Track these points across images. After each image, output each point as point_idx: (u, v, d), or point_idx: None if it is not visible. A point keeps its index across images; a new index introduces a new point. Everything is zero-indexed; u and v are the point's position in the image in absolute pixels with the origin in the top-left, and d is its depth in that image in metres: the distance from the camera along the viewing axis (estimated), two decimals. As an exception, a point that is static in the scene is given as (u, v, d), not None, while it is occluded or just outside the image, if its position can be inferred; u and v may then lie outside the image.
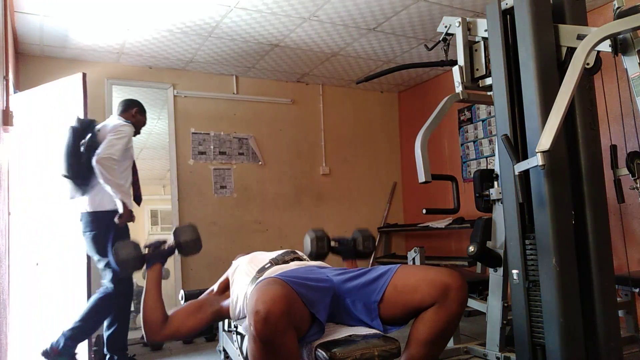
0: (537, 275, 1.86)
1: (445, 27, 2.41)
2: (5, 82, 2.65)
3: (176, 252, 2.07)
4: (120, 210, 2.97)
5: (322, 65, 4.67)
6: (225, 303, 1.89)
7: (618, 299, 2.48)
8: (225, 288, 1.94)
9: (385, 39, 4.08)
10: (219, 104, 4.73)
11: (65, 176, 2.97)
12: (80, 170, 2.96)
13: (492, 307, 2.27)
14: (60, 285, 3.11)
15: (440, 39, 2.46)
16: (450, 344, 2.46)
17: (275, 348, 1.32)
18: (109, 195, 2.97)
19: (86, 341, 3.04)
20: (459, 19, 2.33)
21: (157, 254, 1.99)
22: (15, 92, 3.37)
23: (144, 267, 1.98)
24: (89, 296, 3.04)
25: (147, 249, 2.00)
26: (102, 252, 2.99)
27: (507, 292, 2.16)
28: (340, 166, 5.26)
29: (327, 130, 5.25)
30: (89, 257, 3.11)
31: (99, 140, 3.01)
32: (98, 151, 2.93)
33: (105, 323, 3.08)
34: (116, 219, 2.98)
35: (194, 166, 4.52)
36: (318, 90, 5.25)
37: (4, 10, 2.56)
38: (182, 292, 2.40)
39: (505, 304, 2.22)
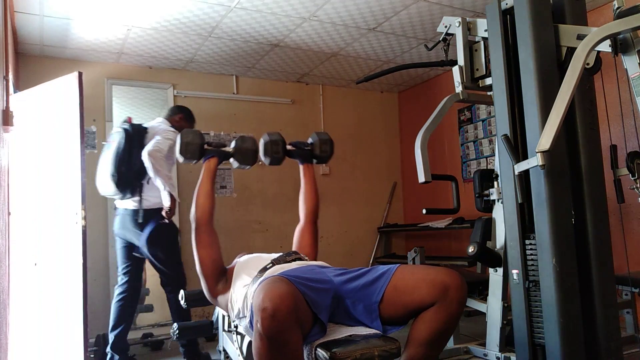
0: (537, 275, 1.86)
1: (445, 27, 2.41)
2: (5, 82, 2.65)
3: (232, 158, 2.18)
4: (168, 203, 3.09)
5: (322, 65, 4.67)
6: (225, 292, 1.91)
7: (618, 299, 2.48)
8: (226, 287, 1.95)
9: (385, 39, 4.08)
10: (219, 104, 4.73)
11: (113, 177, 3.07)
12: (129, 172, 3.10)
13: (492, 307, 2.27)
14: (57, 286, 3.11)
15: (440, 39, 2.45)
16: (450, 344, 2.46)
17: (281, 345, 1.33)
18: (157, 193, 3.12)
19: (82, 341, 3.06)
20: (459, 19, 2.33)
21: (216, 150, 2.15)
22: (15, 92, 3.37)
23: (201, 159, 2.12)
24: (85, 298, 3.04)
25: (208, 145, 2.14)
26: (156, 244, 3.13)
27: (507, 292, 2.16)
28: (340, 166, 5.26)
29: (327, 130, 5.22)
30: (84, 258, 3.10)
31: (148, 140, 3.15)
32: (148, 147, 3.06)
33: (111, 323, 3.17)
34: (164, 212, 3.13)
35: (194, 166, 4.49)
36: (318, 90, 5.25)
37: (4, 10, 2.56)
38: (182, 292, 2.40)
39: (505, 304, 2.22)
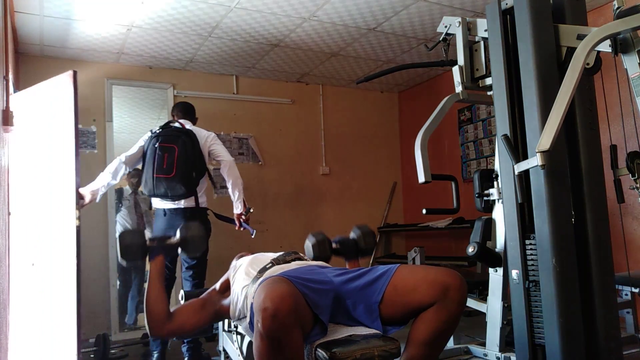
0: (537, 275, 1.86)
1: (445, 27, 2.41)
2: (5, 82, 2.65)
3: (179, 250, 2.06)
4: (241, 209, 3.34)
5: (322, 65, 4.67)
6: (226, 302, 1.90)
7: (618, 299, 2.48)
8: (226, 287, 1.94)
9: (385, 39, 4.08)
10: (219, 104, 4.73)
11: (186, 179, 3.17)
12: (190, 172, 3.19)
13: (492, 307, 2.27)
14: (52, 286, 3.10)
15: (440, 39, 2.45)
16: (450, 344, 2.46)
17: (282, 345, 1.32)
18: (202, 193, 3.29)
19: (75, 340, 3.07)
20: (459, 19, 2.33)
21: (161, 246, 1.99)
22: (15, 92, 3.37)
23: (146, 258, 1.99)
24: (78, 298, 3.04)
25: (152, 241, 2.00)
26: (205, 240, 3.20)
27: (507, 292, 2.16)
28: (340, 166, 5.26)
29: (327, 130, 5.25)
30: (79, 258, 3.09)
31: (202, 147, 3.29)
32: (225, 156, 3.32)
33: None
34: (240, 217, 3.39)
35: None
36: (318, 90, 5.25)
37: (4, 10, 2.56)
38: (182, 292, 2.39)
39: (505, 304, 2.22)
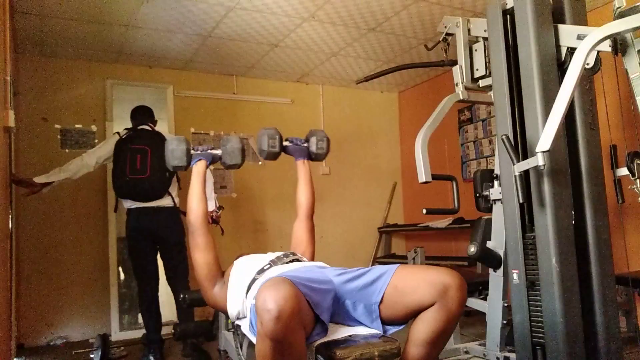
0: (537, 275, 1.86)
1: (445, 27, 2.41)
2: (5, 82, 2.64)
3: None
4: (213, 207, 3.48)
5: (322, 65, 4.67)
6: (222, 289, 1.91)
7: (618, 299, 2.48)
8: (226, 281, 1.94)
9: (385, 39, 4.08)
10: (219, 104, 4.73)
11: (167, 179, 3.33)
12: (164, 172, 3.29)
13: (492, 307, 2.27)
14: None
15: (440, 39, 2.46)
16: (450, 344, 2.46)
17: (286, 347, 1.32)
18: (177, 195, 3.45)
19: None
20: (459, 19, 2.33)
21: (203, 153, 2.16)
22: (14, 92, 3.37)
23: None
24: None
25: (196, 150, 2.16)
26: (184, 238, 3.36)
27: (507, 292, 2.16)
28: (340, 166, 5.26)
29: (327, 130, 5.16)
30: (11, 257, 3.06)
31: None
32: None
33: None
34: (215, 215, 3.51)
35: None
36: (318, 90, 5.25)
37: (3, 10, 2.55)
38: (182, 295, 2.39)
39: (505, 304, 2.22)
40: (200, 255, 1.95)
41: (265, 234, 4.81)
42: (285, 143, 2.32)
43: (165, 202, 3.36)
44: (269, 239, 4.78)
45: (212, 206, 3.44)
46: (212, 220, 3.49)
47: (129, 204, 3.35)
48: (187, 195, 2.06)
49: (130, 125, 3.53)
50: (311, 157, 2.35)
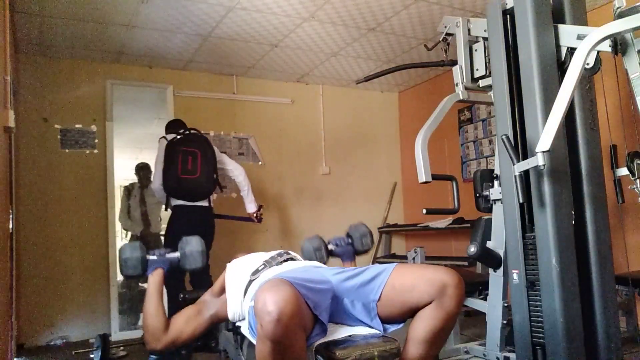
0: (537, 275, 1.86)
1: (445, 27, 2.41)
2: (5, 82, 2.64)
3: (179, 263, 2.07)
4: (254, 208, 3.93)
5: (322, 65, 4.67)
6: (222, 306, 1.89)
7: (618, 299, 2.48)
8: (222, 290, 1.93)
9: (385, 39, 4.08)
10: (218, 104, 4.73)
11: (198, 179, 3.51)
12: (211, 174, 3.59)
13: (492, 307, 2.27)
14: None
15: (440, 39, 2.45)
16: (450, 344, 2.46)
17: (286, 349, 1.31)
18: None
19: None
20: (459, 19, 2.33)
21: (161, 259, 2.01)
22: (14, 92, 3.37)
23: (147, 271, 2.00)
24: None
25: (152, 255, 2.01)
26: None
27: (507, 292, 2.16)
28: (340, 166, 5.26)
29: (327, 130, 5.25)
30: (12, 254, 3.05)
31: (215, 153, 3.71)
32: (237, 165, 3.83)
33: None
34: (257, 216, 3.96)
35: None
36: (318, 90, 5.25)
37: (4, 10, 2.55)
38: (181, 295, 2.39)
39: (505, 304, 2.22)
40: (186, 339, 1.86)
41: (265, 234, 4.81)
42: (330, 247, 2.25)
43: (204, 202, 3.57)
44: (269, 239, 4.78)
45: (252, 208, 3.87)
46: (257, 219, 3.89)
47: (175, 201, 3.51)
48: (144, 310, 1.87)
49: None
50: (357, 254, 2.28)
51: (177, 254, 2.06)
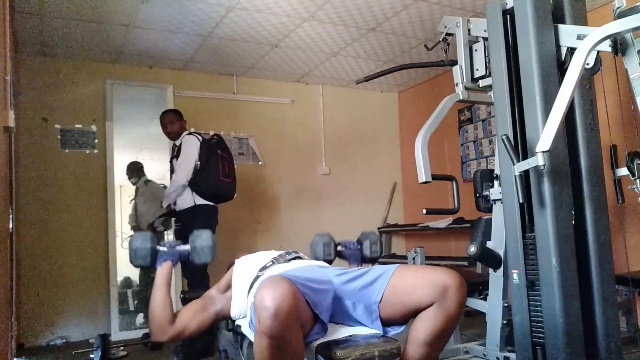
0: (537, 275, 1.86)
1: (445, 27, 2.41)
2: (5, 82, 2.65)
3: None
4: None
5: (322, 65, 4.67)
6: (227, 302, 1.90)
7: (618, 299, 2.48)
8: (227, 287, 1.95)
9: (385, 39, 4.08)
10: (219, 104, 4.73)
11: (231, 183, 3.68)
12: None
13: (492, 307, 2.27)
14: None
15: (440, 39, 2.45)
16: (451, 344, 2.46)
17: (283, 344, 1.32)
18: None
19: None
20: (459, 19, 2.33)
21: (170, 252, 2.00)
22: (14, 92, 3.37)
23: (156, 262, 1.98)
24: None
25: (162, 246, 2.00)
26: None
27: (507, 292, 2.16)
28: (340, 166, 5.26)
29: (327, 130, 5.25)
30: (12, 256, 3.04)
31: None
32: None
33: None
34: None
35: (194, 166, 4.51)
36: (318, 90, 5.25)
37: (3, 10, 2.55)
38: (180, 292, 2.39)
39: (505, 304, 2.22)
40: (192, 332, 1.85)
41: (265, 234, 4.81)
42: (339, 248, 2.25)
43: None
44: (269, 239, 4.78)
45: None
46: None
47: (200, 200, 3.56)
48: (151, 301, 1.87)
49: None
50: (364, 260, 2.27)
51: (187, 247, 2.04)
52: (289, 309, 1.28)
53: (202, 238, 2.04)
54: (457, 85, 2.32)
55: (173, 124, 3.73)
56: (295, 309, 1.31)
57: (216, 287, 1.99)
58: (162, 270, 1.95)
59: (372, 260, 2.29)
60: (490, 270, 2.29)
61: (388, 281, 1.57)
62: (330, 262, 2.16)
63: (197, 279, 3.37)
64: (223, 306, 1.90)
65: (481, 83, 2.30)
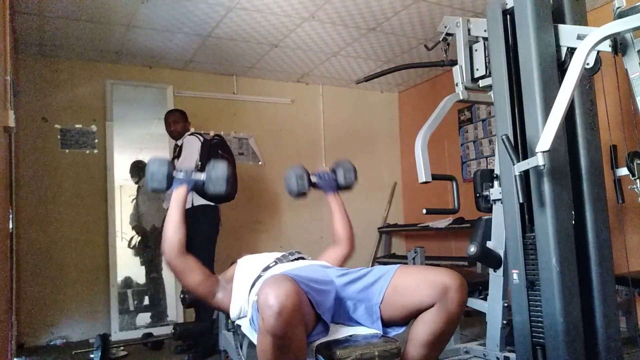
0: (537, 275, 1.86)
1: (445, 27, 2.41)
2: (5, 82, 2.65)
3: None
4: None
5: (322, 65, 4.67)
6: (227, 295, 1.90)
7: (618, 299, 2.48)
8: (231, 279, 1.95)
9: (385, 39, 4.08)
10: (218, 104, 4.73)
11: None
12: None
13: (492, 307, 2.27)
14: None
15: (440, 39, 2.46)
16: (451, 344, 2.46)
17: (286, 343, 1.33)
18: None
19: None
20: (459, 19, 2.33)
21: (186, 178, 2.03)
22: (14, 92, 3.37)
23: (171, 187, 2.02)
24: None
25: (179, 172, 2.04)
26: None
27: (507, 292, 2.16)
28: (340, 166, 5.25)
29: (327, 130, 5.25)
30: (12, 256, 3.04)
31: None
32: None
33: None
34: None
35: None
36: (318, 90, 5.25)
37: (3, 10, 2.55)
38: (181, 292, 2.39)
39: (505, 304, 2.22)
40: (189, 280, 1.89)
41: (265, 234, 4.81)
42: (313, 179, 2.28)
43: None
44: (269, 239, 4.78)
45: None
46: None
47: (201, 201, 3.54)
48: (165, 222, 1.94)
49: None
50: (340, 188, 2.30)
51: (202, 175, 2.06)
52: (292, 308, 1.28)
53: (218, 169, 2.06)
54: (457, 85, 2.32)
55: (177, 123, 3.75)
56: (298, 307, 1.31)
57: (224, 275, 2.00)
58: (177, 193, 1.99)
59: (347, 187, 2.31)
60: (490, 270, 2.29)
61: (389, 282, 1.57)
62: (305, 194, 2.22)
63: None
64: (224, 295, 1.91)
65: (481, 83, 2.31)
